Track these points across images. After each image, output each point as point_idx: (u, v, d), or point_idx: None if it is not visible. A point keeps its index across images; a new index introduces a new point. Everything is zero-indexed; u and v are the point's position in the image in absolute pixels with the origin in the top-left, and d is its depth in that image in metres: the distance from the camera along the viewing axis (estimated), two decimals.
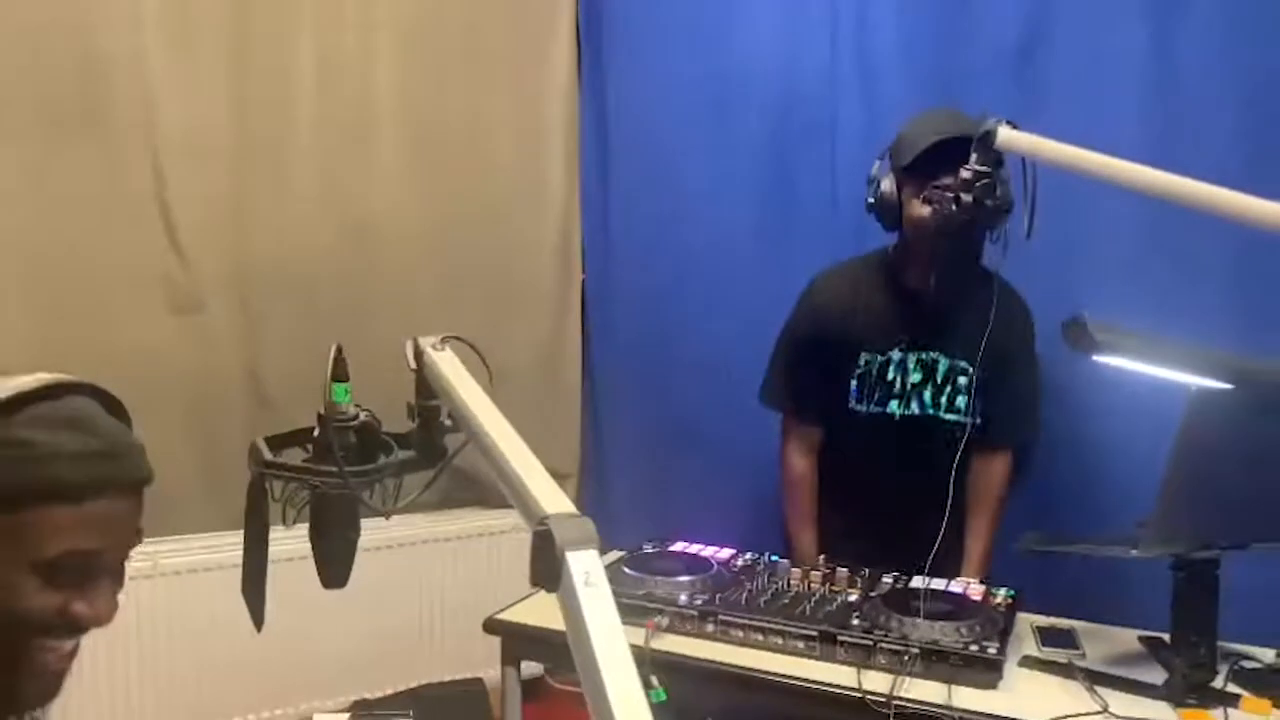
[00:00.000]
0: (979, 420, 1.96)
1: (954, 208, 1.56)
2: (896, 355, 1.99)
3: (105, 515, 0.84)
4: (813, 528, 2.09)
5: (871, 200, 1.94)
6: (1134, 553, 1.33)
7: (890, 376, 1.99)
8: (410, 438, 1.07)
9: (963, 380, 1.96)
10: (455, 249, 2.95)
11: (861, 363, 2.00)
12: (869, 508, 2.02)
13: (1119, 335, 1.18)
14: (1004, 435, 2.02)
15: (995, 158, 1.53)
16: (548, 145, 3.08)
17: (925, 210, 1.81)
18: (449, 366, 0.98)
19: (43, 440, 0.81)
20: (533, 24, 3.02)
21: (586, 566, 0.69)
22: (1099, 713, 1.41)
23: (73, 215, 2.43)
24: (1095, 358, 1.21)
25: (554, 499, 0.74)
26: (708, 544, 2.02)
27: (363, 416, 1.03)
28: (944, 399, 1.98)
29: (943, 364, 1.98)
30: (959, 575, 1.88)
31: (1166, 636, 1.55)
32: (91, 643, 0.92)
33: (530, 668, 2.92)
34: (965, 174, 1.52)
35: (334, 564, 1.04)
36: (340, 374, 1.02)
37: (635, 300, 3.00)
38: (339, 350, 1.01)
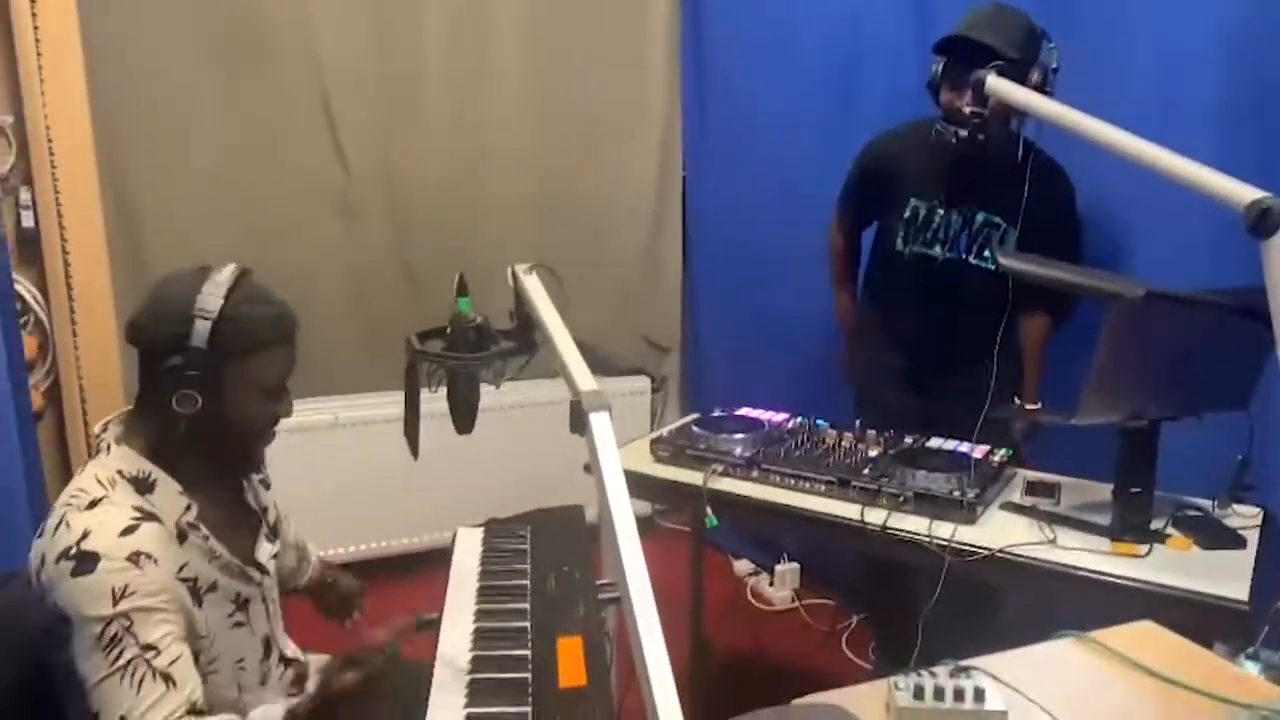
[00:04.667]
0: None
1: (957, 134, 1.90)
2: (940, 206, 2.30)
3: (288, 352, 1.38)
4: (849, 288, 2.62)
5: (928, 81, 2.22)
6: (1072, 421, 1.70)
7: (935, 224, 2.31)
8: (512, 333, 1.54)
9: (994, 234, 2.26)
10: (569, 154, 3.39)
11: (909, 209, 2.33)
12: (915, 340, 2.40)
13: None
14: (1039, 297, 2.22)
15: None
16: (651, 66, 3.47)
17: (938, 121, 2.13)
18: (533, 286, 1.44)
19: (254, 313, 1.33)
20: None
21: (601, 423, 1.14)
22: (1046, 542, 1.81)
23: (261, 138, 2.98)
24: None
25: (586, 380, 1.19)
26: (774, 410, 2.43)
27: (479, 320, 1.50)
28: (976, 247, 2.29)
29: (980, 217, 2.28)
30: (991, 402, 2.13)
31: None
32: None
33: (639, 507, 3.49)
34: (961, 107, 1.85)
35: (462, 418, 1.54)
36: (463, 291, 1.49)
37: (726, 203, 3.40)
38: (461, 276, 1.48)
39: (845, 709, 0.97)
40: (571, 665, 1.51)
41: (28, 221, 2.05)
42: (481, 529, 2.09)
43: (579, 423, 1.16)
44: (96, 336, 2.29)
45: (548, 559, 1.92)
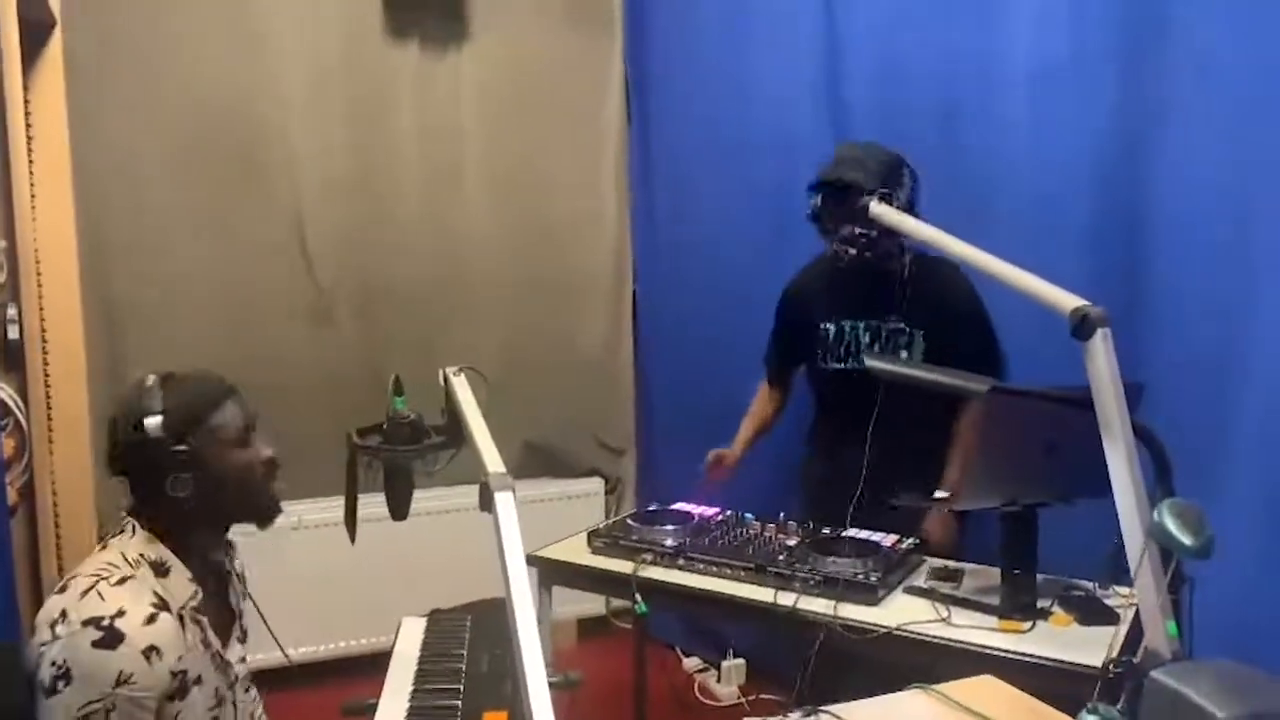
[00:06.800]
0: None
1: (850, 253, 2.14)
2: (848, 324, 2.55)
3: (237, 401, 1.54)
4: (756, 416, 2.84)
5: (808, 214, 2.48)
6: (952, 506, 1.88)
7: (845, 341, 2.55)
8: (443, 429, 1.72)
9: (902, 339, 2.49)
10: (528, 265, 3.64)
11: (821, 330, 2.58)
12: (846, 446, 2.53)
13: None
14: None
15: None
16: (603, 179, 3.75)
17: (833, 244, 2.38)
18: (459, 386, 1.63)
19: (186, 387, 1.49)
20: (591, 83, 3.69)
21: (505, 500, 1.31)
22: (939, 620, 1.97)
23: (240, 248, 3.21)
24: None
25: (495, 463, 1.37)
26: (719, 505, 2.60)
27: (412, 416, 1.69)
28: (888, 355, 2.49)
29: (885, 327, 2.51)
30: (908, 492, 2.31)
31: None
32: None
33: (594, 607, 3.62)
34: (852, 231, 2.10)
35: (398, 505, 1.71)
36: (399, 391, 1.68)
37: (674, 313, 3.65)
38: (397, 377, 1.68)
39: None
40: None
41: (13, 334, 2.25)
42: (425, 619, 2.23)
43: (487, 501, 1.33)
44: (71, 440, 2.46)
45: (484, 643, 2.05)
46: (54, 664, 1.33)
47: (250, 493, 1.56)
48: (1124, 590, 2.07)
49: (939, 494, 2.27)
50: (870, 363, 1.95)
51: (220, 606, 1.59)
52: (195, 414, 1.48)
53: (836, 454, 2.64)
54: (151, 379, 1.49)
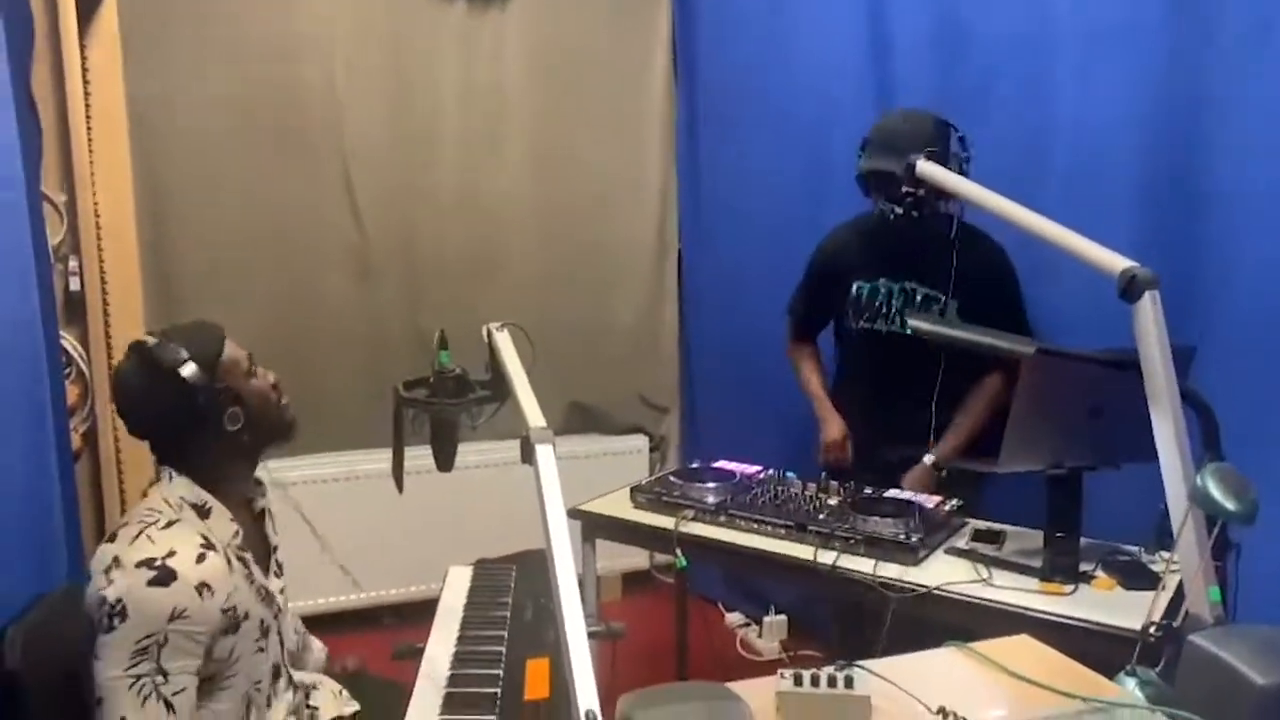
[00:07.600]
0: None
1: (896, 212, 2.12)
2: (882, 284, 2.52)
3: (231, 340, 1.60)
4: (818, 374, 2.75)
5: (856, 174, 2.45)
6: (995, 469, 1.87)
7: (877, 301, 2.53)
8: (487, 383, 1.75)
9: (935, 306, 2.46)
10: (572, 224, 3.65)
11: (853, 289, 2.56)
12: (868, 406, 2.60)
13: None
14: (994, 358, 2.35)
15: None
16: (648, 139, 3.73)
17: (879, 203, 2.36)
18: (502, 341, 1.66)
19: (196, 334, 1.56)
20: (636, 42, 3.65)
21: (545, 453, 1.34)
22: (979, 581, 1.97)
23: (288, 208, 3.25)
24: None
25: (536, 417, 1.39)
26: (756, 463, 2.60)
27: (458, 370, 1.72)
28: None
29: (920, 293, 2.48)
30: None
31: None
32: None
33: (638, 561, 3.67)
34: (900, 190, 2.08)
35: (443, 457, 1.75)
36: (444, 345, 1.71)
37: (720, 272, 3.64)
38: (442, 332, 1.70)
39: (730, 689, 1.14)
40: (537, 681, 1.68)
41: (74, 286, 2.34)
42: (471, 568, 2.28)
43: (528, 454, 1.36)
44: None
45: (529, 592, 2.10)
46: (109, 604, 1.39)
47: (275, 415, 1.66)
48: (1169, 555, 2.05)
49: (927, 457, 2.30)
50: (913, 322, 1.94)
51: (259, 541, 1.67)
52: (213, 353, 1.56)
53: (857, 415, 2.64)
54: (151, 339, 1.54)
